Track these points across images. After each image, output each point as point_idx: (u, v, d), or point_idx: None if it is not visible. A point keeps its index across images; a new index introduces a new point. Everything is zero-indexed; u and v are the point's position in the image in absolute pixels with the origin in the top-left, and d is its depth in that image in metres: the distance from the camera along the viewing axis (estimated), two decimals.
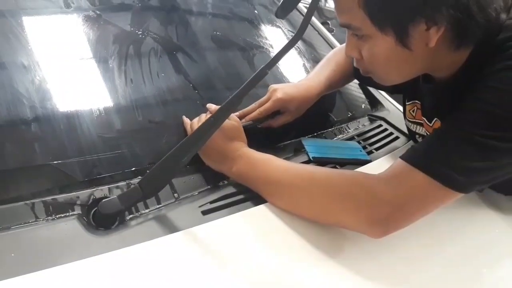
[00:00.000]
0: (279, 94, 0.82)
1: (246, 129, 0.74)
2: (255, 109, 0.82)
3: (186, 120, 0.73)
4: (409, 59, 0.62)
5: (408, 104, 0.85)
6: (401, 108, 1.05)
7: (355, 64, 0.69)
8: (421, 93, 0.79)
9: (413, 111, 0.84)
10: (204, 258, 0.53)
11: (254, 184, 0.66)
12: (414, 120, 0.85)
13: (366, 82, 0.97)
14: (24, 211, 0.52)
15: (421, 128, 0.83)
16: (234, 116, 0.74)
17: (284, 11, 0.56)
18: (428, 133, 0.79)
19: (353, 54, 0.67)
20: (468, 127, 0.58)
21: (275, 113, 0.83)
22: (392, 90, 0.94)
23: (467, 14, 0.56)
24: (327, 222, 0.63)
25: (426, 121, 0.78)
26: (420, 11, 0.57)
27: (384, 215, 0.58)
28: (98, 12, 0.77)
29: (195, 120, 0.72)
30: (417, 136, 0.86)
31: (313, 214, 0.63)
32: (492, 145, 0.56)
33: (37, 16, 0.72)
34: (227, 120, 0.69)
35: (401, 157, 0.61)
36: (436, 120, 0.76)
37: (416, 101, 0.82)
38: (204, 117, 0.72)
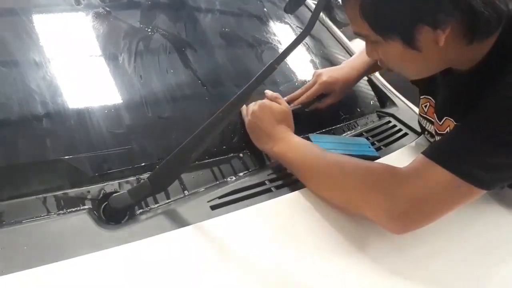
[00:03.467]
0: (324, 78, 0.88)
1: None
2: (302, 93, 0.88)
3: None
4: (423, 58, 0.62)
5: (422, 98, 0.85)
6: (410, 104, 1.05)
7: (379, 64, 0.71)
8: (436, 88, 0.78)
9: (425, 106, 0.84)
10: (212, 253, 0.54)
11: (290, 165, 0.70)
12: (426, 116, 0.84)
13: None
14: (36, 205, 0.53)
15: (431, 125, 0.83)
16: (285, 103, 0.80)
17: (292, 6, 0.56)
18: (438, 131, 0.79)
19: (373, 57, 0.69)
20: (490, 124, 0.57)
21: (320, 96, 0.88)
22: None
23: (472, 12, 0.54)
24: (353, 211, 0.65)
25: (436, 119, 0.78)
26: (418, 19, 0.56)
27: (403, 211, 0.58)
28: (108, 9, 0.78)
29: (251, 104, 0.77)
30: (426, 133, 0.85)
31: (340, 202, 0.66)
32: None
33: (48, 13, 0.73)
34: (277, 105, 0.76)
35: (423, 153, 0.61)
36: (446, 119, 0.75)
37: (430, 97, 0.82)
38: (259, 102, 0.77)
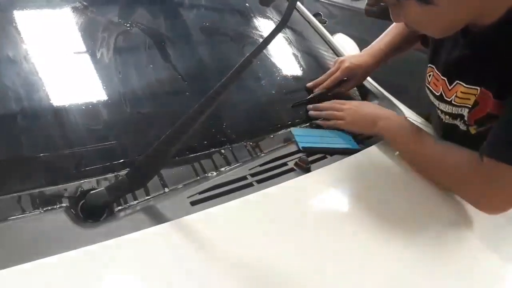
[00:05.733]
0: (346, 64, 0.96)
1: (317, 96, 0.93)
2: (326, 79, 0.95)
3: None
4: (441, 12, 0.63)
5: (428, 67, 0.86)
6: (391, 98, 1.06)
7: (407, 28, 0.74)
8: (447, 53, 0.78)
9: (429, 75, 0.85)
10: (192, 249, 0.53)
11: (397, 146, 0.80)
12: (428, 86, 0.86)
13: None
14: (10, 204, 0.52)
15: (431, 95, 0.85)
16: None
17: None
18: (445, 98, 0.79)
19: (398, 21, 0.72)
20: None
21: (342, 81, 0.96)
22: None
23: None
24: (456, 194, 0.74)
25: (447, 82, 0.78)
26: None
27: (489, 203, 0.68)
28: (85, 3, 0.76)
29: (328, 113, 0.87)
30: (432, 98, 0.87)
31: (440, 184, 0.74)
32: None
33: (23, 8, 0.71)
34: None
35: (485, 153, 0.65)
36: (457, 84, 0.75)
37: (433, 66, 0.83)
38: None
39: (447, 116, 0.81)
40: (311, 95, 0.94)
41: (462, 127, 0.78)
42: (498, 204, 0.68)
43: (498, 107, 0.68)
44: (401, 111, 0.99)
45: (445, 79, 0.78)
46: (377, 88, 1.08)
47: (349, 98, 0.99)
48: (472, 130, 0.76)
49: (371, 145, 0.82)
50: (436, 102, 0.83)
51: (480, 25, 0.67)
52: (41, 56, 0.67)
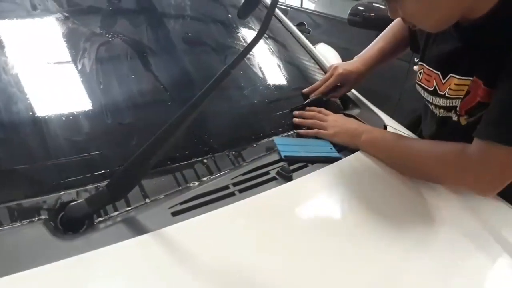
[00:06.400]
0: (340, 70, 1.00)
1: (313, 102, 0.97)
2: (321, 84, 1.00)
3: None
4: (437, 5, 0.66)
5: (419, 65, 0.89)
6: (372, 107, 1.08)
7: (404, 23, 0.75)
8: (438, 48, 0.81)
9: (420, 73, 0.88)
10: (173, 259, 0.53)
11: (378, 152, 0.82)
12: (420, 83, 0.88)
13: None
14: None
15: (424, 91, 0.87)
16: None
17: (245, 11, 0.57)
18: (439, 92, 0.81)
19: (395, 16, 0.74)
20: None
21: (336, 86, 1.01)
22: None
23: None
24: (448, 184, 0.77)
25: (440, 76, 0.81)
26: None
27: (486, 188, 0.72)
28: (66, 14, 0.76)
29: (314, 123, 0.90)
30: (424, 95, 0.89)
31: (432, 179, 0.77)
32: None
33: (1, 19, 0.71)
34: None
35: (478, 136, 0.68)
36: (450, 77, 0.78)
37: (424, 64, 0.86)
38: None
39: (441, 110, 0.84)
40: (307, 100, 0.98)
41: (455, 118, 0.81)
42: (492, 184, 0.71)
43: (488, 95, 0.71)
44: (383, 120, 1.00)
45: (439, 73, 0.82)
46: (358, 98, 1.10)
47: (336, 105, 1.02)
48: (463, 121, 0.79)
49: (351, 154, 0.83)
50: (430, 98, 0.86)
51: (471, 19, 0.71)
52: (20, 68, 0.66)
